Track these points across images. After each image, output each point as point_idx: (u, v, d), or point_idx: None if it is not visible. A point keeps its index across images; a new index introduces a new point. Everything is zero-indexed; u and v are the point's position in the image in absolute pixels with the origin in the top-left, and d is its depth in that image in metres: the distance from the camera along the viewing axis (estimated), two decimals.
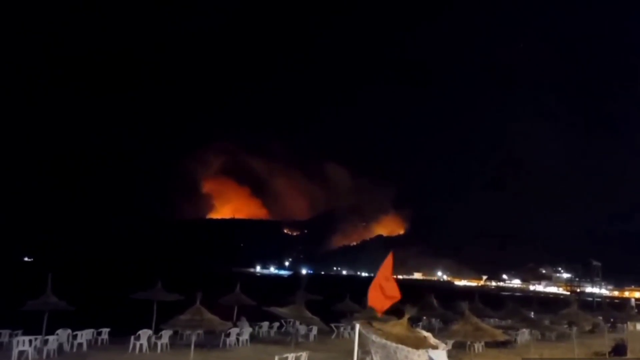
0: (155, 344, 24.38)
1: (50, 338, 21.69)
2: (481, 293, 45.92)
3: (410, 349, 14.22)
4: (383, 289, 12.88)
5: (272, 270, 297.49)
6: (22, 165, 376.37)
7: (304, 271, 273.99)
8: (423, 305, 31.64)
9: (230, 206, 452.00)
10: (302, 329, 31.19)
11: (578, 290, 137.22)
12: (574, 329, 29.68)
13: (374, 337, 14.39)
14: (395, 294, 12.84)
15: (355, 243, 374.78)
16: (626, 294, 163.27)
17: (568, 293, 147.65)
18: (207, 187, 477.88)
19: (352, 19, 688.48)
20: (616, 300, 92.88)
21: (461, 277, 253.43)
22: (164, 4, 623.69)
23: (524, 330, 33.26)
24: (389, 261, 13.27)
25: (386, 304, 13.14)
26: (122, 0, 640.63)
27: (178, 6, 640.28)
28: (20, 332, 22.59)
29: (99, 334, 25.43)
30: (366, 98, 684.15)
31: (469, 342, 19.10)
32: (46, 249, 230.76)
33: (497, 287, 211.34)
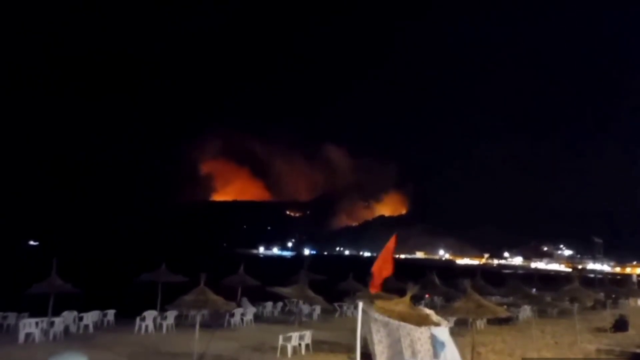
0: (161, 324, 24.61)
1: (57, 320, 21.87)
2: (483, 271, 46.09)
3: (412, 326, 14.37)
4: (380, 271, 12.97)
5: (275, 251, 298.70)
6: (25, 156, 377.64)
7: (306, 252, 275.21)
8: (425, 284, 31.78)
9: (233, 188, 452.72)
10: (306, 308, 31.41)
11: (580, 267, 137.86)
12: (576, 305, 29.86)
13: (376, 316, 14.54)
14: (387, 271, 12.89)
15: (357, 223, 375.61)
16: (628, 270, 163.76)
17: (570, 270, 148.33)
18: (209, 170, 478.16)
19: (350, 8, 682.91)
20: (618, 277, 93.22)
21: (463, 256, 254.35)
22: (163, 5, 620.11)
23: (526, 307, 33.46)
24: (391, 243, 13.29)
25: (378, 282, 13.23)
26: (122, 0, 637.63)
27: (178, 6, 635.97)
28: (26, 314, 22.81)
29: (105, 315, 25.67)
30: (364, 77, 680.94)
31: (470, 319, 19.20)
32: (51, 233, 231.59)
33: (499, 265, 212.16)
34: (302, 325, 25.60)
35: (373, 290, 13.46)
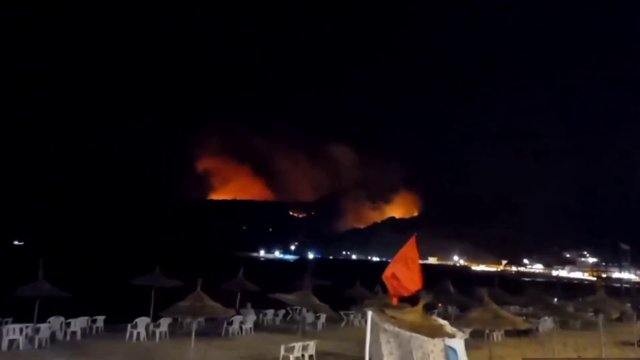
0: (154, 332, 24.60)
1: (42, 326, 21.84)
2: (501, 278, 45.89)
3: (425, 337, 14.23)
4: (398, 277, 12.82)
5: (277, 254, 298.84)
6: (15, 153, 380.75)
7: (310, 255, 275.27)
8: (438, 291, 31.61)
9: (233, 187, 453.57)
10: (310, 316, 31.35)
11: (605, 275, 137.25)
12: (601, 316, 29.58)
13: (386, 326, 14.41)
14: (414, 283, 12.74)
15: (365, 226, 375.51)
16: None
17: (594, 279, 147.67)
18: (207, 166, 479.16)
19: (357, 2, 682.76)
20: None
21: (479, 262, 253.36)
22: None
23: (547, 318, 33.26)
24: (410, 246, 13.16)
25: (401, 293, 13.09)
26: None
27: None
28: (10, 320, 22.81)
29: (94, 322, 25.65)
30: (372, 73, 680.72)
31: (487, 331, 19.08)
32: (38, 232, 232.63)
33: (518, 272, 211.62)
34: (306, 335, 25.51)
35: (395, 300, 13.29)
